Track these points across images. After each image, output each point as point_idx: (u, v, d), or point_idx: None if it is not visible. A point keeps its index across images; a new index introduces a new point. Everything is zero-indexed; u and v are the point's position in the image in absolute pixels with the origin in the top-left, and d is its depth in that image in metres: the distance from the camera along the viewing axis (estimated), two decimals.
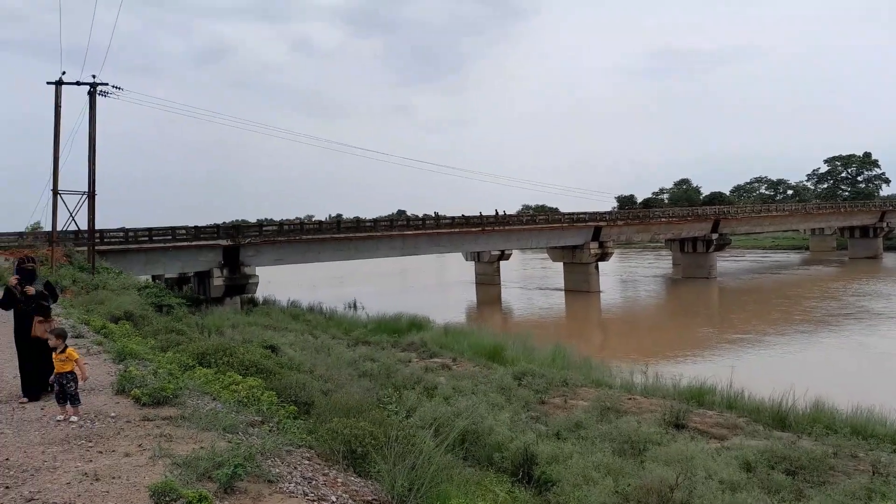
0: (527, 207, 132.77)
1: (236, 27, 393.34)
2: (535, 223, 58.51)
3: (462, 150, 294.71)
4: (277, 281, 52.63)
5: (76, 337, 12.23)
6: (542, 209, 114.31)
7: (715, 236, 66.76)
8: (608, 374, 18.43)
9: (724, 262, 76.84)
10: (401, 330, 27.97)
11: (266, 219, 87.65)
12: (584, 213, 60.84)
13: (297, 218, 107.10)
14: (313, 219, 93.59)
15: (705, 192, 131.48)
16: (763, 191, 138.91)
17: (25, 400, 7.40)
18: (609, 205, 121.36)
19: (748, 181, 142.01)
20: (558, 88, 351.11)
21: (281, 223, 52.37)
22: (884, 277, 61.82)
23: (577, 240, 57.68)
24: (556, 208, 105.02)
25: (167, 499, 4.21)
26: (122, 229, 40.82)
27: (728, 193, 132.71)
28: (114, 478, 4.89)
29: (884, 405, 13.45)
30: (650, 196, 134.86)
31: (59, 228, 30.86)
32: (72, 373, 6.50)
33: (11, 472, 5.08)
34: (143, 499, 4.41)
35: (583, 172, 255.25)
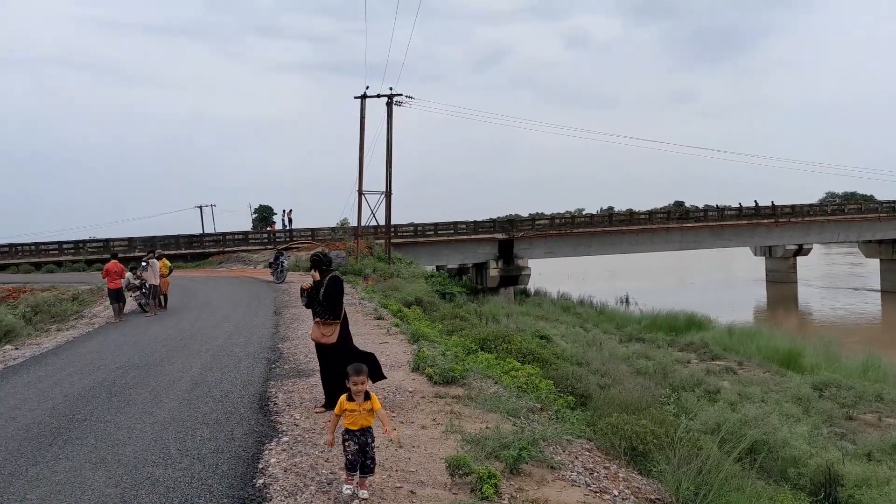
0: (832, 195, 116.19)
1: (512, 29, 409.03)
2: (843, 213, 51.13)
3: (751, 135, 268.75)
4: (547, 273, 53.61)
5: (377, 318, 13.90)
6: (851, 197, 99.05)
7: None
8: None
9: None
10: (678, 328, 26.61)
11: (537, 213, 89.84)
12: None
13: (567, 211, 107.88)
14: (584, 212, 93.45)
15: None
16: None
17: (321, 409, 6.71)
18: None
19: None
20: (870, 59, 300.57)
21: (552, 217, 53.28)
22: None
23: None
24: (871, 195, 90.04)
25: (461, 472, 4.55)
26: (411, 224, 45.23)
27: None
28: (414, 447, 5.44)
29: None
30: None
31: (362, 224, 35.28)
32: (371, 429, 4.53)
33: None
34: (440, 469, 4.82)
35: None
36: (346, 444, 4.50)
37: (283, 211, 46.20)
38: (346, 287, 20.89)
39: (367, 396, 4.54)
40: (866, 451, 10.29)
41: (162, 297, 17.41)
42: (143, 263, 17.12)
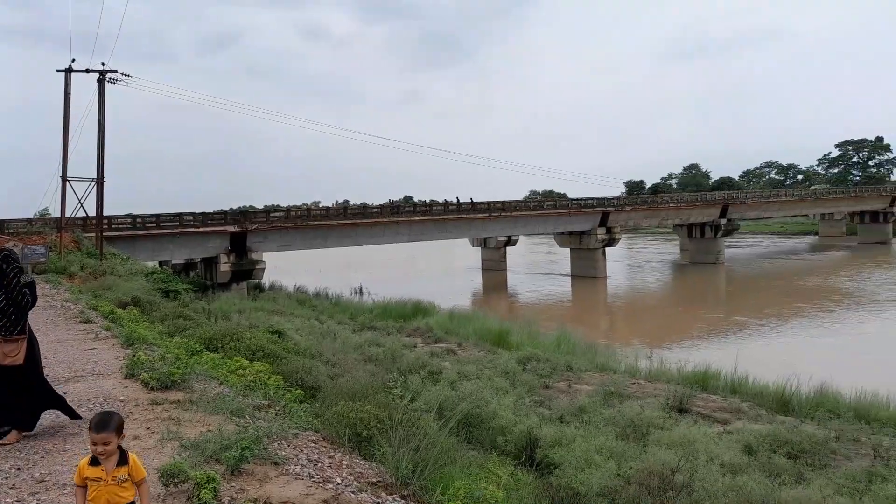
0: (534, 193, 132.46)
1: (246, 14, 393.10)
2: (543, 209, 58.36)
3: (473, 136, 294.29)
4: (284, 267, 52.82)
5: (84, 322, 12.38)
6: (549, 195, 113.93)
7: (723, 221, 66.47)
8: (613, 359, 18.50)
9: (733, 248, 76.59)
10: (406, 315, 28.07)
11: (273, 205, 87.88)
12: (592, 199, 60.68)
13: (304, 204, 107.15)
14: (320, 205, 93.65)
15: (714, 177, 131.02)
16: (773, 175, 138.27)
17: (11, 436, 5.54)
18: (618, 190, 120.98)
19: (758, 166, 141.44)
20: (574, 74, 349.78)
21: (288, 209, 52.48)
22: (894, 263, 61.48)
23: (585, 225, 57.57)
24: (564, 194, 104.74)
25: (176, 480, 4.30)
26: (129, 215, 41.01)
27: (737, 178, 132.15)
28: None
29: (888, 390, 13.49)
30: (659, 181, 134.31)
31: (67, 215, 31.02)
32: None
33: (22, 455, 5.19)
34: (153, 480, 4.49)
35: (593, 158, 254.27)
36: None
37: None
38: (47, 288, 18.23)
39: (124, 460, 3.28)
40: (559, 415, 11.57)
41: None
42: None
